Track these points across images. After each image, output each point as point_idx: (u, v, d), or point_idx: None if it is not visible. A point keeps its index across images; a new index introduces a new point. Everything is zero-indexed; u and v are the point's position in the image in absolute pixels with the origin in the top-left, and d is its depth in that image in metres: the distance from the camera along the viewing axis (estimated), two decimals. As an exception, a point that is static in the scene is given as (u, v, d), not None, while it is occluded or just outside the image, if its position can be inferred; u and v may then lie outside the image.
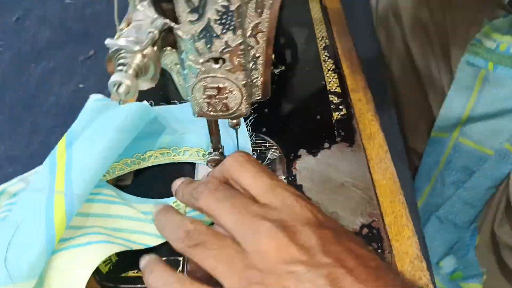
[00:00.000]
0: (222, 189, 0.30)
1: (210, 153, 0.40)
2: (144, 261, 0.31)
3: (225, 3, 0.25)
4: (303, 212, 0.28)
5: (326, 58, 0.57)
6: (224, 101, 0.32)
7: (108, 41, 0.25)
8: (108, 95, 0.45)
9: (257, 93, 0.33)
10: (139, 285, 0.34)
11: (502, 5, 0.63)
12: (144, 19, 0.28)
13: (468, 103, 0.64)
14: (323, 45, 0.60)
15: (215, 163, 0.40)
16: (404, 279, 0.27)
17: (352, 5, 0.75)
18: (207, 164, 0.40)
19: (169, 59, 0.31)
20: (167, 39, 0.29)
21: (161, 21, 0.27)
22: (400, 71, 0.79)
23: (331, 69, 0.54)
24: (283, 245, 0.25)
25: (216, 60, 0.29)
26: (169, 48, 0.30)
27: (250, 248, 0.26)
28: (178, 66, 0.31)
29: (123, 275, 0.34)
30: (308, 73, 0.55)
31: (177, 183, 0.36)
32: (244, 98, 0.32)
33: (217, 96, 0.31)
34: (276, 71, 0.55)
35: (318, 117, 0.47)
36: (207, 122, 0.37)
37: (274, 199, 0.29)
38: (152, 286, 0.29)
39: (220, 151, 0.40)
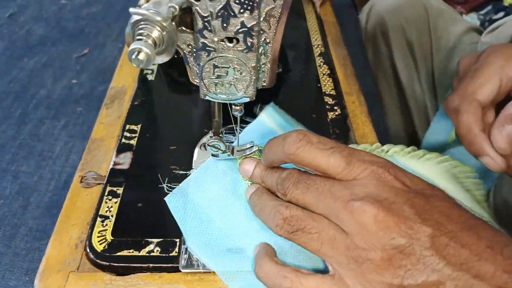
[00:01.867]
0: (303, 179, 0.30)
1: (211, 137, 0.40)
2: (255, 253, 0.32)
3: (246, -18, 0.26)
4: (389, 182, 0.28)
5: (322, 63, 0.59)
6: (232, 82, 0.33)
7: (132, 10, 0.26)
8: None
9: (263, 79, 0.35)
10: (132, 264, 0.34)
11: (479, 31, 0.67)
12: (163, -5, 0.29)
13: (453, 130, 0.67)
14: (319, 52, 0.62)
15: (215, 147, 0.40)
16: (502, 234, 0.26)
17: (343, 22, 0.79)
18: (205, 148, 0.41)
19: (182, 39, 0.32)
20: (183, 18, 0.30)
21: (181, -3, 0.28)
22: (385, 88, 0.82)
23: (326, 74, 0.56)
24: (380, 221, 0.25)
25: (230, 40, 0.30)
26: (184, 28, 0.31)
27: (348, 229, 0.27)
28: (190, 47, 0.32)
29: (118, 253, 0.34)
30: (304, 76, 0.57)
31: (248, 166, 0.36)
32: (252, 81, 0.33)
33: (226, 77, 0.32)
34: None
35: (314, 115, 0.49)
36: (211, 105, 0.38)
37: (355, 174, 0.29)
38: (263, 280, 0.29)
39: (220, 136, 0.40)
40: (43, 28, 0.88)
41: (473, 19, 1.08)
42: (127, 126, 0.46)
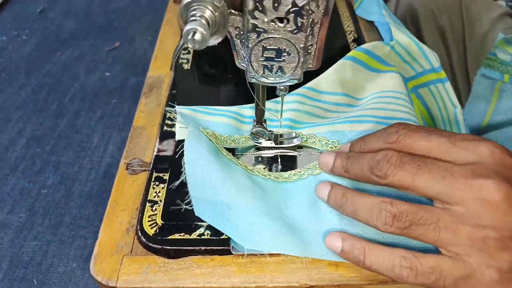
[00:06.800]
0: (408, 160, 0.29)
1: (254, 125, 0.40)
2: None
3: (300, -41, 0.26)
4: (506, 160, 0.27)
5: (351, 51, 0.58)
6: (281, 64, 0.33)
7: (186, -10, 0.26)
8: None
9: (309, 61, 0.34)
10: (184, 247, 0.34)
11: None
12: (213, -23, 0.29)
13: (487, 114, 0.65)
14: (352, 38, 0.61)
15: (258, 135, 0.40)
16: None
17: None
18: (250, 135, 0.41)
19: (230, 22, 0.32)
20: (232, 0, 0.30)
21: (232, -23, 0.28)
22: None
23: (362, 59, 0.56)
24: (509, 198, 0.25)
25: (280, 20, 0.30)
26: (232, 10, 0.31)
27: (471, 209, 0.26)
28: (237, 29, 0.32)
29: (169, 237, 0.34)
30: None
31: (327, 159, 0.35)
32: (300, 63, 0.33)
33: (275, 58, 0.32)
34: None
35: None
36: (256, 93, 0.38)
37: (464, 153, 0.28)
38: (374, 267, 0.29)
39: (263, 124, 0.40)
40: (73, 22, 0.90)
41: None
42: (168, 114, 0.46)
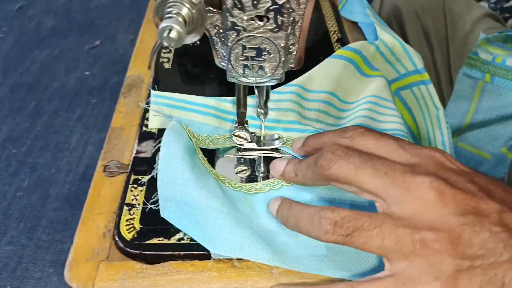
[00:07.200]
0: (354, 153, 0.28)
1: (236, 127, 0.39)
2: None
3: (280, -45, 0.25)
4: (447, 164, 0.27)
5: (339, 49, 0.57)
6: (261, 63, 0.32)
7: (161, -14, 0.25)
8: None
9: (290, 61, 0.34)
10: (163, 252, 0.33)
11: (495, 16, 0.66)
12: (190, -27, 0.28)
13: (468, 113, 0.66)
14: (336, 38, 0.61)
15: (240, 137, 0.39)
16: None
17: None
18: (231, 137, 0.40)
19: (209, 20, 0.31)
20: (211, -3, 0.29)
21: (210, -26, 0.27)
22: None
23: (346, 59, 0.55)
24: (446, 196, 0.24)
25: (260, 18, 0.29)
26: (211, 8, 0.30)
27: (411, 209, 0.25)
28: (216, 28, 0.31)
29: (147, 242, 0.33)
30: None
31: (278, 165, 0.36)
32: (281, 62, 0.32)
33: (255, 58, 0.31)
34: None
35: (336, 100, 0.48)
36: (236, 94, 0.37)
37: (409, 156, 0.28)
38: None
39: (245, 125, 0.40)
40: (52, 20, 0.87)
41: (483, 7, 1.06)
42: (147, 115, 0.45)
